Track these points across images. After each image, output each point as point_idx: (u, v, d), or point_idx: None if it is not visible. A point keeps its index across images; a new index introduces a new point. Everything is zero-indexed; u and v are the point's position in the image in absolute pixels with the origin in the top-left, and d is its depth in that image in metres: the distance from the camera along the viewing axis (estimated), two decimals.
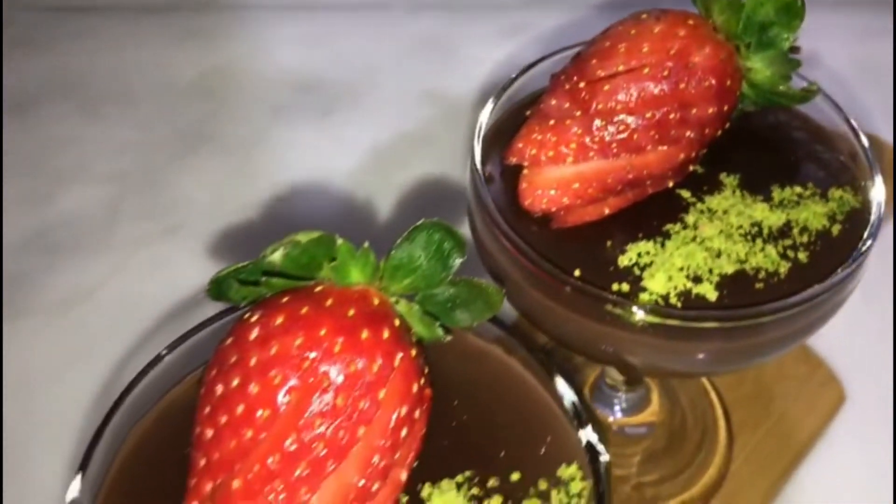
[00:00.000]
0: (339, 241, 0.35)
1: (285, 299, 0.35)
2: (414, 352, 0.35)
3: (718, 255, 0.43)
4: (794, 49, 0.46)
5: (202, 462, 0.34)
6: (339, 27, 1.03)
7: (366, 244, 0.35)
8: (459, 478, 0.36)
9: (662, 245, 0.43)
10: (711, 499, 0.61)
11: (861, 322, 0.71)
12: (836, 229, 0.44)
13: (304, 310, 0.34)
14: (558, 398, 0.38)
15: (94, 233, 0.82)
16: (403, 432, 0.34)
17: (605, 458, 0.36)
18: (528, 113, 0.48)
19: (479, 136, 0.48)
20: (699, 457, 0.62)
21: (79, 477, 0.36)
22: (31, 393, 0.71)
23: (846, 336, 0.70)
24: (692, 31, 0.44)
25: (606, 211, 0.45)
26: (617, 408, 0.63)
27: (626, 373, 0.58)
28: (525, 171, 0.46)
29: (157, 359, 0.40)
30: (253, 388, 0.33)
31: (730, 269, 0.42)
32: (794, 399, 0.65)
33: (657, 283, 0.42)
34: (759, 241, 0.44)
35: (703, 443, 0.63)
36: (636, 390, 0.63)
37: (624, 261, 0.43)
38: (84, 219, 0.84)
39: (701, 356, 0.43)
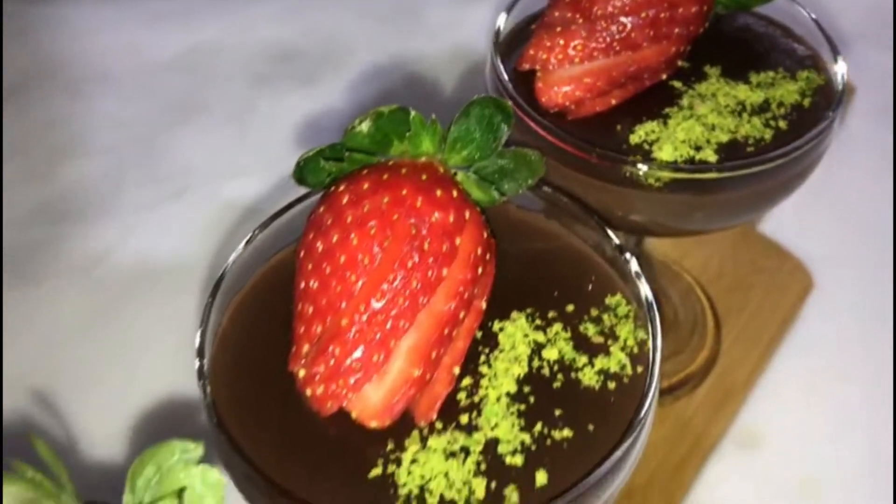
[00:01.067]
0: (413, 112, 0.40)
1: (365, 171, 0.41)
2: (478, 209, 0.41)
3: (713, 128, 0.50)
4: None
5: (309, 310, 0.40)
6: (311, 1, 1.08)
7: (433, 116, 0.41)
8: (524, 313, 0.42)
9: (665, 124, 0.51)
10: (708, 374, 0.68)
11: (823, 218, 0.80)
12: (807, 102, 0.52)
13: (385, 176, 0.40)
14: (595, 245, 0.45)
15: (101, 201, 0.86)
16: (479, 270, 0.40)
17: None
18: (532, 27, 0.55)
19: (496, 42, 0.54)
20: (693, 341, 0.70)
21: (198, 335, 0.41)
22: (62, 350, 0.74)
23: (811, 231, 0.79)
24: None
25: (613, 102, 0.52)
26: None
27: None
28: (539, 74, 0.52)
29: (252, 238, 0.45)
30: (353, 240, 0.39)
31: (724, 138, 0.50)
32: (769, 287, 0.73)
33: (665, 153, 0.49)
34: (745, 115, 0.51)
35: (694, 330, 0.71)
36: None
37: (634, 139, 0.50)
38: (89, 189, 0.87)
39: (704, 209, 0.50)
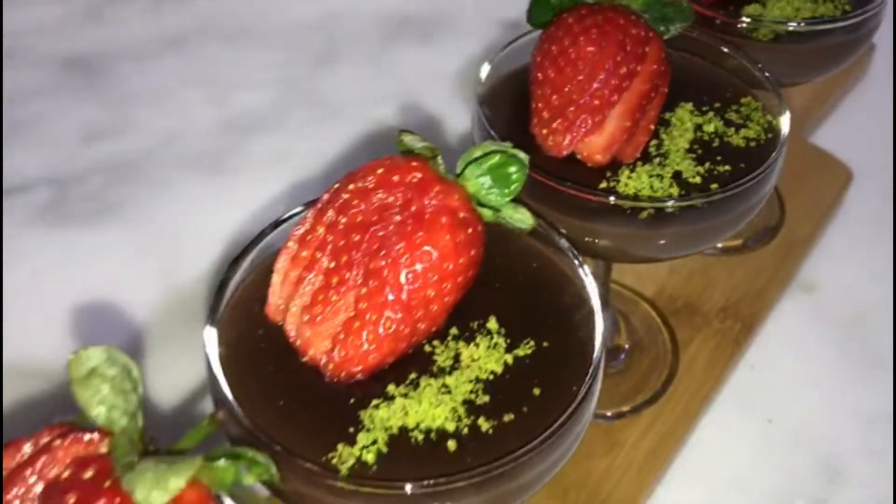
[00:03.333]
0: None
1: (578, 6, 0.61)
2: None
3: (798, 9, 0.72)
4: None
5: (548, 90, 0.60)
6: None
7: None
8: (687, 103, 0.62)
9: (764, 6, 0.72)
10: (777, 234, 0.88)
11: (854, 133, 1.01)
12: None
13: (595, 7, 0.60)
14: (730, 67, 0.65)
15: (272, 118, 1.06)
16: (662, 67, 0.60)
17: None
18: None
19: None
20: (763, 210, 0.90)
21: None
22: (262, 220, 0.93)
23: (846, 142, 1.00)
24: None
25: None
26: None
27: None
28: None
29: (495, 54, 0.65)
30: (581, 42, 0.59)
31: (807, 14, 0.71)
32: (818, 177, 0.94)
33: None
34: (819, 2, 0.72)
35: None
36: None
37: (746, 13, 0.71)
38: (259, 111, 1.07)
39: (800, 57, 0.71)
